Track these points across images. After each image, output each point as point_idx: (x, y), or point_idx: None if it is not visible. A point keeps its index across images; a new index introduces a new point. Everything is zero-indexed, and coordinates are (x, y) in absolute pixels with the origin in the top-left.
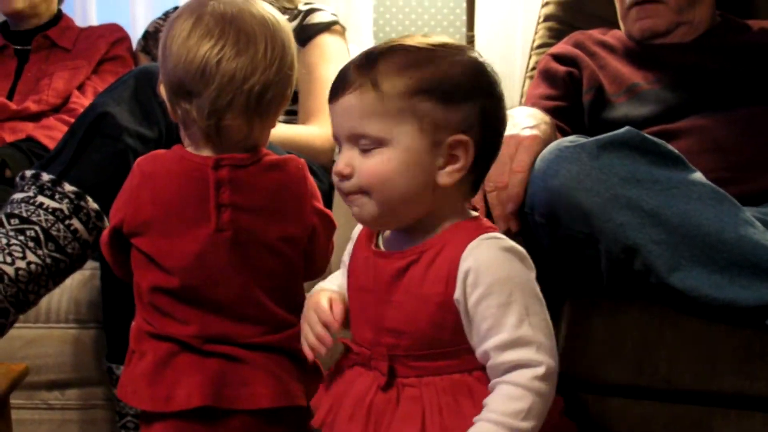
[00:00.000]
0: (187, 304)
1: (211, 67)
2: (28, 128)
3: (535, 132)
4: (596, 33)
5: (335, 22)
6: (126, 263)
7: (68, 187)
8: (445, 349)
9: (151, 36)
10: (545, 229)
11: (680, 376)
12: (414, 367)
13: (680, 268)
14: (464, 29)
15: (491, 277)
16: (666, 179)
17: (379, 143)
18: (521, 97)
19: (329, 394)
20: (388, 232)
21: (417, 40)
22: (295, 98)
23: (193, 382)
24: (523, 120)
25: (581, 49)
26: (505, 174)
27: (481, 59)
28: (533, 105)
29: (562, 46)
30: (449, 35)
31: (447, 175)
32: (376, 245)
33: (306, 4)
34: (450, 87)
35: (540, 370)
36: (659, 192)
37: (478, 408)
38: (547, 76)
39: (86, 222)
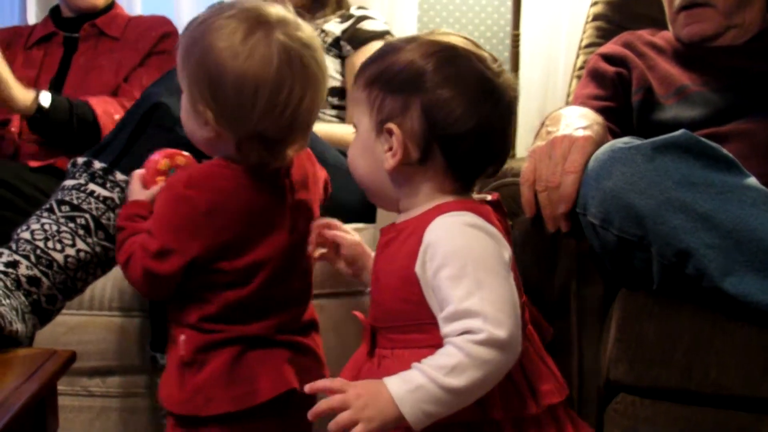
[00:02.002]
0: (260, 305)
1: (292, 115)
2: (92, 102)
3: (588, 132)
4: (645, 33)
5: (388, 32)
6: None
7: (120, 176)
8: (411, 323)
9: None
10: (597, 230)
11: (730, 382)
12: (389, 338)
13: (733, 273)
14: (509, 28)
15: (445, 249)
16: (720, 183)
17: (355, 129)
18: (568, 96)
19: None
20: (399, 215)
21: (400, 38)
22: (343, 95)
23: (273, 371)
24: (576, 120)
25: (630, 50)
26: (557, 174)
27: (443, 53)
28: (581, 105)
29: (612, 46)
30: (494, 34)
31: (386, 161)
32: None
33: (359, 8)
34: (391, 76)
35: (479, 336)
36: (713, 196)
37: None
38: (595, 75)
39: None
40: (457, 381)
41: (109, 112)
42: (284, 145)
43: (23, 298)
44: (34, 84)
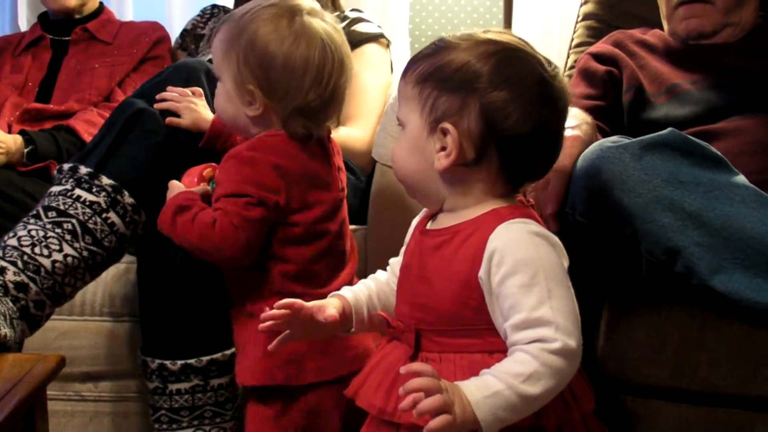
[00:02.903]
0: (330, 263)
1: (333, 89)
2: (70, 121)
3: (576, 132)
4: (636, 32)
5: (382, 35)
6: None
7: (106, 181)
8: (467, 327)
9: (188, 33)
10: (586, 229)
11: (721, 380)
12: (438, 342)
13: (722, 271)
14: (500, 28)
15: (515, 257)
16: (709, 181)
17: (402, 126)
18: None
19: (367, 366)
20: (441, 215)
21: (454, 35)
22: None
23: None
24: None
25: (621, 49)
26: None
27: (502, 53)
28: (572, 104)
29: (602, 46)
30: None
31: (438, 160)
32: (427, 226)
33: (353, 11)
34: (447, 75)
35: (553, 345)
36: (702, 194)
37: None
38: (586, 75)
39: (123, 215)
40: (533, 389)
41: (91, 122)
42: (325, 116)
43: (11, 304)
44: (22, 88)
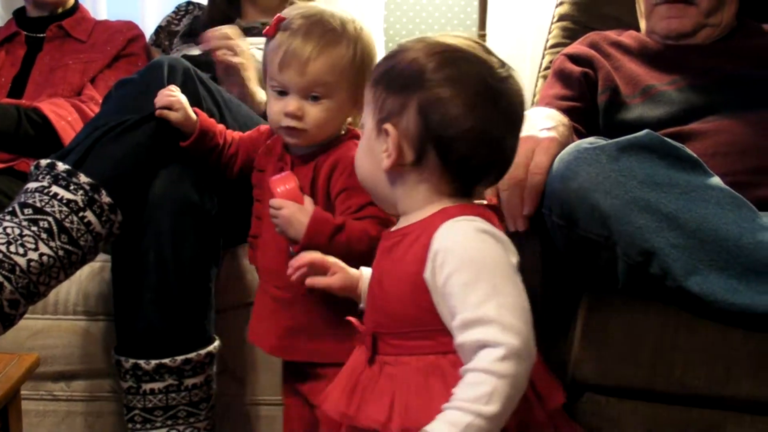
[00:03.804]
0: None
1: None
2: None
3: (552, 134)
4: (612, 34)
5: None
6: None
7: (84, 179)
8: (419, 329)
9: (162, 30)
10: (562, 230)
11: (695, 380)
12: (393, 345)
13: (697, 273)
14: (475, 28)
15: (458, 255)
16: (685, 183)
17: (363, 129)
18: (534, 96)
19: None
20: (400, 218)
21: (413, 38)
22: None
23: None
24: (541, 121)
25: (597, 50)
26: (520, 172)
27: (445, 54)
28: (547, 105)
29: (578, 47)
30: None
31: (383, 161)
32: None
33: None
34: (394, 76)
35: (500, 351)
36: (678, 195)
37: (448, 391)
38: (562, 76)
39: (99, 215)
40: (497, 406)
41: (62, 115)
42: None
43: None
44: None
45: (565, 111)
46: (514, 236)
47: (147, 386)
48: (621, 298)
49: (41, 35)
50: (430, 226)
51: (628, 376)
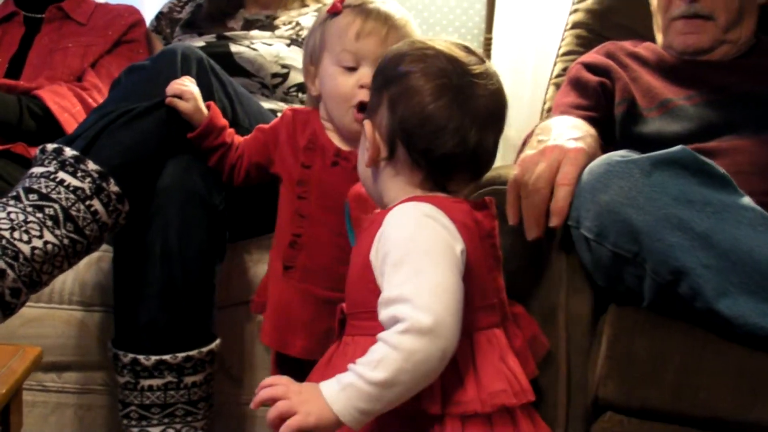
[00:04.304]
0: None
1: None
2: (37, 90)
3: (580, 144)
4: (628, 44)
5: None
6: None
7: (92, 166)
8: (368, 310)
9: (164, 16)
10: (590, 244)
11: (720, 404)
12: (353, 325)
13: (728, 295)
14: (477, 31)
15: (394, 236)
16: (717, 202)
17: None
18: (544, 104)
19: None
20: None
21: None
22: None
23: None
24: (568, 131)
25: (614, 60)
26: (544, 180)
27: (419, 52)
28: (562, 114)
29: (594, 56)
30: (461, 36)
31: (364, 157)
32: None
33: None
34: (376, 75)
35: (402, 325)
36: (710, 214)
37: None
38: (577, 85)
39: (107, 204)
40: (383, 374)
41: (65, 107)
42: None
43: None
44: None
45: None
46: (539, 250)
47: (145, 382)
48: (646, 317)
49: (40, 16)
50: (389, 211)
51: (652, 396)
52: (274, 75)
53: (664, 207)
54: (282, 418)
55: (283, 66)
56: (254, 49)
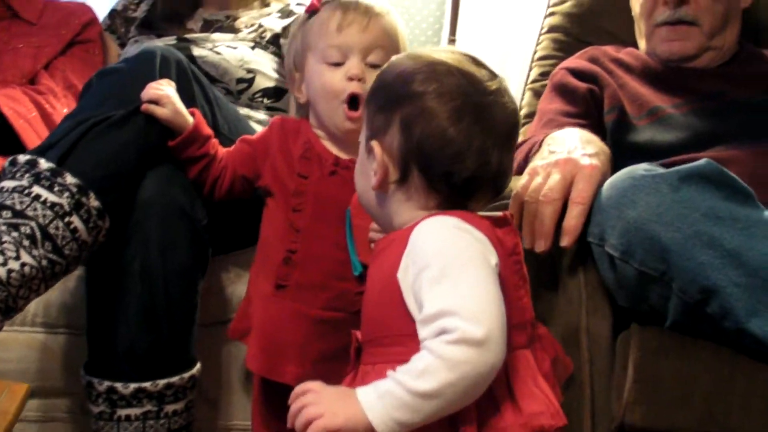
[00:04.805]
0: None
1: None
2: None
3: (595, 162)
4: (611, 50)
5: None
6: None
7: (70, 179)
8: (392, 333)
9: (118, 15)
10: (615, 261)
11: (752, 428)
12: (371, 353)
13: (759, 314)
14: (442, 34)
15: (428, 250)
16: (744, 217)
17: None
18: (520, 109)
19: None
20: None
21: (408, 53)
22: (279, 95)
23: None
24: (581, 145)
25: (599, 66)
26: (557, 192)
27: (429, 67)
28: (550, 120)
29: (579, 62)
30: (428, 38)
31: (371, 180)
32: None
33: (298, 5)
34: (380, 93)
35: (452, 336)
36: (739, 231)
37: None
38: (564, 91)
39: (87, 220)
40: (427, 384)
41: (21, 113)
42: None
43: None
44: None
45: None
46: (555, 267)
47: (122, 412)
48: (671, 338)
49: None
50: (411, 229)
51: (681, 420)
52: (239, 80)
53: (694, 224)
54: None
55: (249, 71)
56: (218, 53)
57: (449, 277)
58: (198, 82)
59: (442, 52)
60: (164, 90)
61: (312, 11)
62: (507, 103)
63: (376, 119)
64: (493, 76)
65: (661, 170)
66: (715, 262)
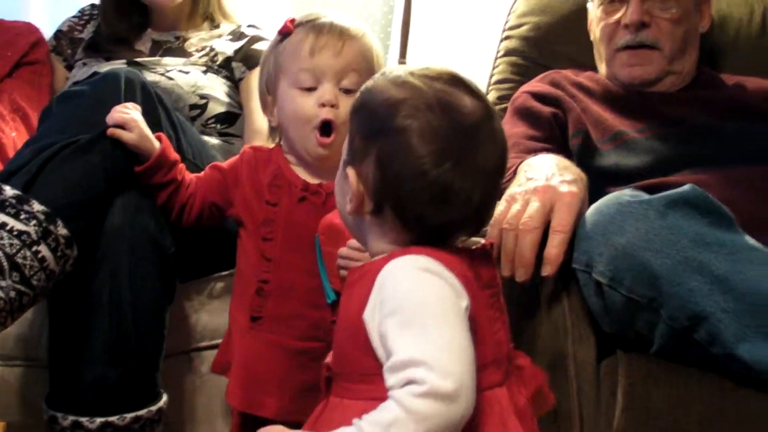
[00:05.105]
0: None
1: None
2: None
3: (574, 189)
4: (570, 74)
5: None
6: None
7: (37, 206)
8: (359, 372)
9: (64, 35)
10: (603, 288)
11: None
12: (342, 386)
13: (746, 339)
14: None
15: (394, 294)
16: (730, 243)
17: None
18: None
19: None
20: None
21: (401, 68)
22: (231, 120)
23: None
24: (559, 172)
25: (561, 90)
26: (536, 221)
27: (413, 100)
28: (515, 144)
29: (541, 85)
30: None
31: (346, 204)
32: None
33: (249, 27)
34: (365, 114)
35: (420, 388)
36: (726, 256)
37: None
38: (527, 115)
39: (54, 249)
40: None
41: None
42: None
43: None
44: None
45: (537, 152)
46: (537, 294)
47: None
48: (659, 365)
49: None
50: (383, 264)
51: None
52: (192, 106)
53: (683, 250)
54: None
55: (202, 96)
56: (170, 78)
57: (417, 324)
58: (162, 105)
59: (429, 75)
60: (130, 113)
61: (285, 33)
62: (495, 140)
63: (355, 143)
64: (480, 100)
65: (647, 196)
66: (704, 288)
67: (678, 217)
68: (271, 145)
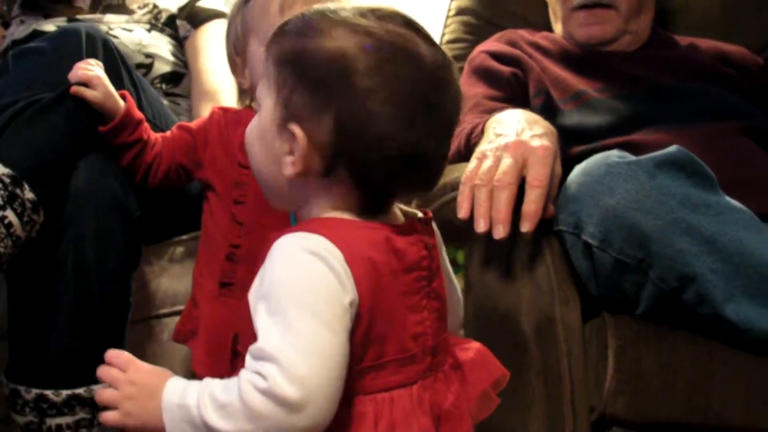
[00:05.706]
0: None
1: None
2: None
3: (546, 142)
4: (526, 33)
5: (225, 14)
6: None
7: (2, 170)
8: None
9: None
10: (593, 250)
11: (732, 415)
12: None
13: (733, 299)
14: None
15: (270, 277)
16: (716, 204)
17: (258, 105)
18: None
19: None
20: None
21: (331, 10)
22: (177, 80)
23: None
24: (529, 126)
25: (519, 50)
26: (511, 176)
27: (374, 54)
28: (476, 105)
29: (499, 45)
30: None
31: (285, 166)
32: None
33: None
34: (307, 66)
35: (262, 383)
36: (712, 217)
37: None
38: (486, 74)
39: (21, 214)
40: (222, 423)
41: None
42: None
43: None
44: None
45: (497, 111)
46: (521, 255)
47: (53, 422)
48: (647, 326)
49: None
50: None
51: (664, 410)
52: (138, 65)
53: (673, 211)
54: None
55: (147, 55)
56: (115, 36)
57: (283, 315)
58: (124, 63)
59: (380, 16)
60: (94, 71)
61: None
62: (454, 92)
63: (297, 97)
64: (440, 52)
65: (634, 157)
66: (693, 249)
67: (666, 177)
68: (238, 108)
